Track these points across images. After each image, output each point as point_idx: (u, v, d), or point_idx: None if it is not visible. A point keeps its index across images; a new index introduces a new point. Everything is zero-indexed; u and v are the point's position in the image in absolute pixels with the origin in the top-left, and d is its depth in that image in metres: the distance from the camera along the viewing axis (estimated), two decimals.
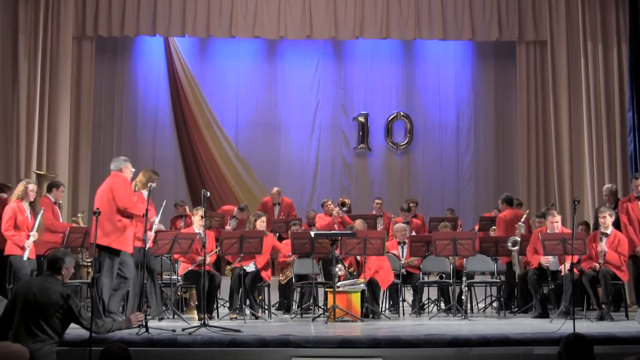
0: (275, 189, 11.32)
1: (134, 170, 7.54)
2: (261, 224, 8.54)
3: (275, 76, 12.99)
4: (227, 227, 10.16)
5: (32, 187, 7.87)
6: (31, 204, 7.83)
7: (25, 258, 7.47)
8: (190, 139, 12.71)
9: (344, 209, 10.31)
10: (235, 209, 10.69)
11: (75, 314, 5.18)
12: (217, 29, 11.50)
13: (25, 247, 7.50)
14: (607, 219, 8.11)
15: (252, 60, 12.97)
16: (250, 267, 8.33)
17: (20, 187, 7.81)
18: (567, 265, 7.75)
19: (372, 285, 8.31)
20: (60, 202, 8.96)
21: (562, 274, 8.07)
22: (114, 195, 7.11)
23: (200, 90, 12.81)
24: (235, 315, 8.08)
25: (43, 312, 5.02)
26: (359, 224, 9.04)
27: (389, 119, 12.95)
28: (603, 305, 7.86)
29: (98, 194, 7.31)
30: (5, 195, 8.74)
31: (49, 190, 8.82)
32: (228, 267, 9.12)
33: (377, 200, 11.19)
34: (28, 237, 7.57)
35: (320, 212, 10.72)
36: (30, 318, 5.00)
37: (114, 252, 7.07)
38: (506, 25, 11.68)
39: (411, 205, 10.67)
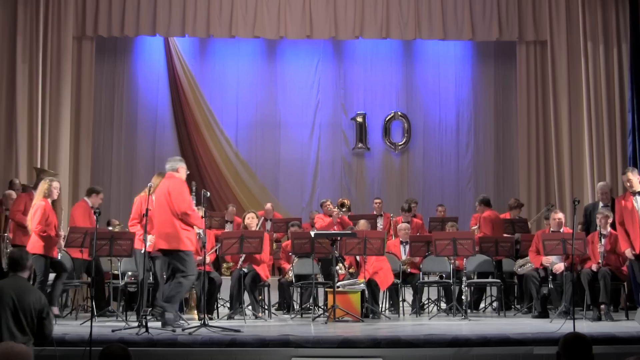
0: (269, 204, 11.24)
1: (189, 172, 7.49)
2: (249, 221, 8.58)
3: (275, 76, 12.98)
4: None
5: (56, 184, 7.81)
6: (53, 203, 7.77)
7: (59, 258, 7.49)
8: (190, 139, 12.71)
9: (343, 209, 10.29)
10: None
11: (48, 320, 5.01)
12: (217, 29, 11.50)
13: (60, 248, 7.51)
14: (606, 220, 8.12)
15: (252, 60, 12.96)
16: (248, 267, 8.32)
17: (44, 185, 7.72)
18: (565, 264, 7.81)
19: (372, 285, 8.31)
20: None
21: (554, 271, 8.12)
22: (172, 199, 6.99)
23: (200, 90, 12.80)
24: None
25: (24, 311, 4.91)
26: (363, 224, 9.05)
27: (387, 119, 12.93)
28: (602, 305, 7.87)
29: (156, 197, 7.14)
30: (14, 194, 8.74)
31: (89, 194, 8.82)
32: (225, 265, 9.11)
33: (376, 200, 11.19)
34: (58, 236, 7.58)
35: (321, 212, 10.72)
36: (12, 319, 4.86)
37: (176, 253, 7.00)
38: (506, 25, 11.68)
39: (412, 205, 10.70)
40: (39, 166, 10.22)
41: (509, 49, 12.31)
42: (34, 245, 7.45)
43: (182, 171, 7.27)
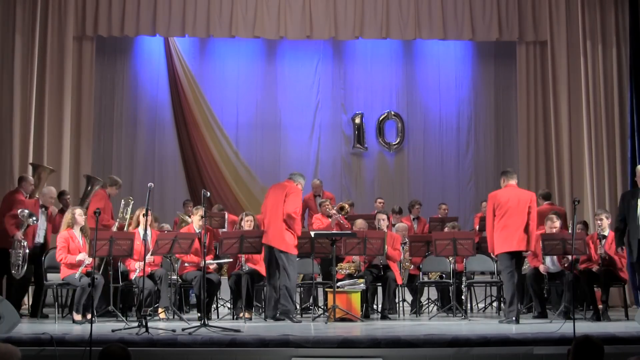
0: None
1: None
2: (246, 225, 8.57)
3: (275, 76, 12.98)
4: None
5: (79, 211, 8.04)
6: (82, 228, 7.98)
7: (76, 276, 7.65)
8: (190, 139, 12.70)
9: (342, 212, 10.27)
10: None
11: None
12: (217, 29, 11.50)
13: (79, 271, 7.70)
14: (604, 221, 8.12)
15: (252, 60, 12.96)
16: (245, 267, 8.30)
17: (67, 215, 8.03)
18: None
19: (389, 280, 8.32)
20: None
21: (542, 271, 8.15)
22: (286, 202, 7.78)
23: (200, 90, 12.80)
24: (246, 315, 8.07)
25: None
26: (360, 223, 9.04)
27: (380, 118, 12.93)
28: (600, 305, 7.88)
29: (271, 200, 7.94)
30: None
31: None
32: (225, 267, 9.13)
33: (379, 200, 11.20)
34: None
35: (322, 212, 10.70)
36: None
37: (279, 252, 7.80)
38: (506, 25, 11.67)
39: (417, 206, 10.74)
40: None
41: (509, 49, 12.30)
42: (62, 271, 7.89)
43: (300, 187, 8.09)
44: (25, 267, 8.24)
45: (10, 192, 8.92)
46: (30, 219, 8.26)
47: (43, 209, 8.66)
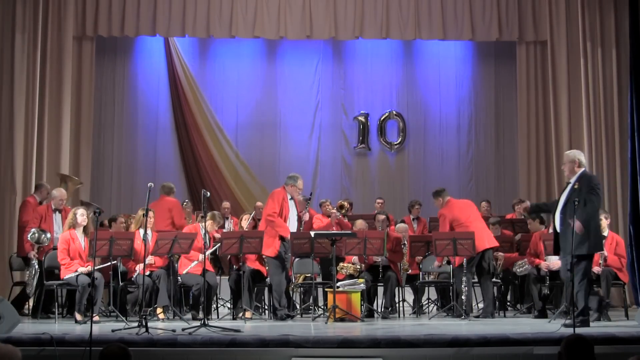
0: (259, 203, 11.17)
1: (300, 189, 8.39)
2: (244, 222, 8.68)
3: (275, 76, 12.99)
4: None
5: (81, 211, 7.98)
6: (85, 229, 7.95)
7: (71, 276, 7.70)
8: (190, 139, 12.71)
9: (342, 211, 10.28)
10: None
11: None
12: (217, 29, 11.50)
13: (78, 272, 7.71)
14: (603, 222, 8.11)
15: (252, 60, 12.96)
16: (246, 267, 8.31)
17: (70, 215, 7.98)
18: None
19: (391, 280, 8.34)
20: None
21: (552, 267, 8.14)
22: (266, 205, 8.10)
23: (200, 91, 12.80)
24: (249, 315, 8.08)
25: None
26: (360, 223, 9.04)
27: (382, 118, 12.94)
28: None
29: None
30: (37, 199, 8.94)
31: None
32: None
33: (378, 200, 11.20)
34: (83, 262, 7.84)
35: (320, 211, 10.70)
36: None
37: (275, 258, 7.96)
38: (506, 25, 11.68)
39: (416, 207, 10.74)
40: (35, 167, 10.18)
41: (509, 49, 12.31)
42: (62, 272, 7.85)
43: (290, 189, 8.25)
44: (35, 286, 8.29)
45: (24, 201, 9.09)
46: (43, 237, 8.27)
47: (56, 212, 8.67)
